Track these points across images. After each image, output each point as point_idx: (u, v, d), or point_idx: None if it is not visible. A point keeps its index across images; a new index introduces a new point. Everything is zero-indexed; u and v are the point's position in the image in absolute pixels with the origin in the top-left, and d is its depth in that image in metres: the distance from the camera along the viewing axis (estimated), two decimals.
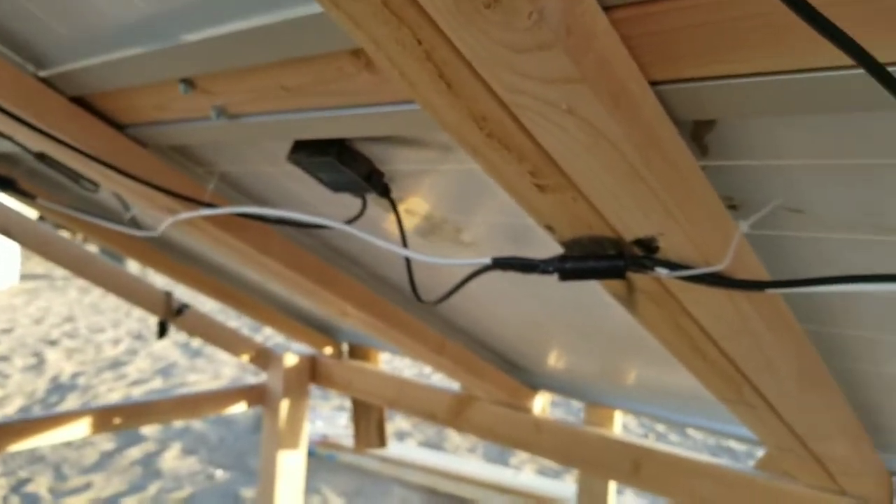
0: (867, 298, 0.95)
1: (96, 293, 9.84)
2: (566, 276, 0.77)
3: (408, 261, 1.15)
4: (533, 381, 2.11)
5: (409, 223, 1.27)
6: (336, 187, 1.09)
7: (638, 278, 0.82)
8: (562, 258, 0.77)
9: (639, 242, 0.73)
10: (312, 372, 2.79)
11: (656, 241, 0.71)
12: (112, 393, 4.90)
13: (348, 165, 0.99)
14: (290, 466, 2.77)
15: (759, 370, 1.00)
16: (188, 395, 2.61)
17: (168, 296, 2.54)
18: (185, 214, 1.28)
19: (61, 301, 8.86)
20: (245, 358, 2.74)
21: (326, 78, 0.79)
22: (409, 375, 2.52)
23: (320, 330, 2.72)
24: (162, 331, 2.58)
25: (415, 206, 1.18)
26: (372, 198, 1.15)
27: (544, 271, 0.78)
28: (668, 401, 1.92)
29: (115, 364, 5.60)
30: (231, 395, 2.72)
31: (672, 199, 0.65)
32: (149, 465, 3.82)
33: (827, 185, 0.70)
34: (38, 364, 5.48)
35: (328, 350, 2.74)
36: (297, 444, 2.80)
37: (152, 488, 3.54)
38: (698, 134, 0.69)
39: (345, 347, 2.76)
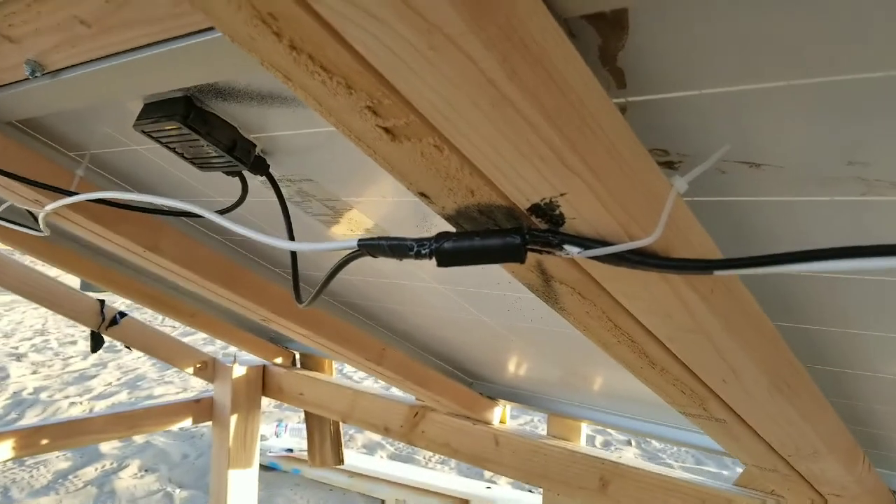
0: (859, 284, 0.75)
1: None
2: (446, 259, 0.56)
3: (293, 255, 0.94)
4: (491, 390, 1.91)
5: (324, 213, 1.06)
6: (201, 164, 0.89)
7: (549, 262, 0.62)
8: (439, 236, 0.57)
9: (536, 210, 0.53)
10: (264, 383, 2.58)
11: (557, 206, 0.51)
12: (73, 407, 4.67)
13: (202, 132, 0.79)
14: (242, 486, 2.56)
15: (722, 379, 0.80)
16: (125, 412, 2.40)
17: (101, 304, 2.33)
18: (50, 206, 1.07)
19: (36, 314, 8.57)
20: (189, 370, 2.53)
21: None
22: (369, 385, 2.31)
23: (270, 338, 2.51)
24: (96, 344, 2.36)
25: (312, 189, 0.97)
26: (258, 178, 0.95)
27: (419, 254, 0.58)
28: (640, 410, 1.72)
29: (82, 377, 5.36)
30: (175, 409, 2.51)
31: (567, 143, 0.45)
32: (104, 486, 3.60)
33: (791, 122, 0.50)
34: (1, 380, 5.23)
35: (279, 359, 2.53)
36: (249, 461, 2.59)
37: None
38: (608, 52, 0.49)
39: (298, 356, 2.56)
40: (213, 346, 6.10)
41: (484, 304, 1.27)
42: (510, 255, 0.55)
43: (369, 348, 1.57)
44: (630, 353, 0.80)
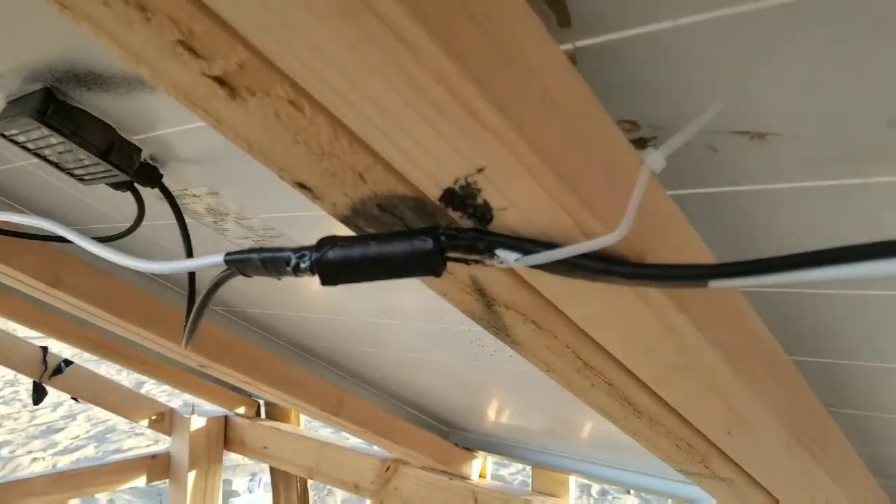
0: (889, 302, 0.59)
1: None
2: (332, 273, 0.40)
3: (190, 281, 0.77)
4: (468, 440, 1.72)
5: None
6: (81, 175, 0.73)
7: (486, 277, 0.45)
8: (322, 243, 0.40)
9: (452, 198, 0.37)
10: (226, 436, 2.37)
11: (477, 190, 0.35)
12: (35, 463, 4.41)
13: (65, 132, 0.64)
14: None
15: (726, 430, 0.63)
16: (69, 471, 2.18)
17: (44, 351, 2.14)
18: None
19: None
20: (144, 423, 2.33)
21: None
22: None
23: (233, 385, 2.31)
24: (37, 395, 2.17)
25: (222, 205, 0.81)
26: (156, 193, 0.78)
27: (298, 269, 0.41)
28: (637, 461, 1.53)
29: (49, 430, 5.09)
30: (126, 467, 2.30)
31: (477, 87, 0.29)
32: None
33: (805, 65, 0.35)
34: None
35: (241, 409, 2.33)
36: None
37: None
38: None
39: (263, 405, 2.36)
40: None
41: (443, 340, 1.10)
42: (421, 265, 0.39)
43: (324, 396, 1.39)
44: (608, 399, 0.63)
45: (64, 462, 4.40)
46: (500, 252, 0.38)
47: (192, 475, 2.32)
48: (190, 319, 0.53)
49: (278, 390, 1.32)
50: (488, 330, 0.56)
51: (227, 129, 0.37)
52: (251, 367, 1.29)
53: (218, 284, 0.49)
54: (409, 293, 1.00)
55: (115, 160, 0.68)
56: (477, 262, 0.40)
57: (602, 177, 0.36)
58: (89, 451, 4.71)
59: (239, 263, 0.45)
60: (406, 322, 1.09)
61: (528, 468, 1.70)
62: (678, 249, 0.40)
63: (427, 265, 0.39)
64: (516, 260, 0.38)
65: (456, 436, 1.75)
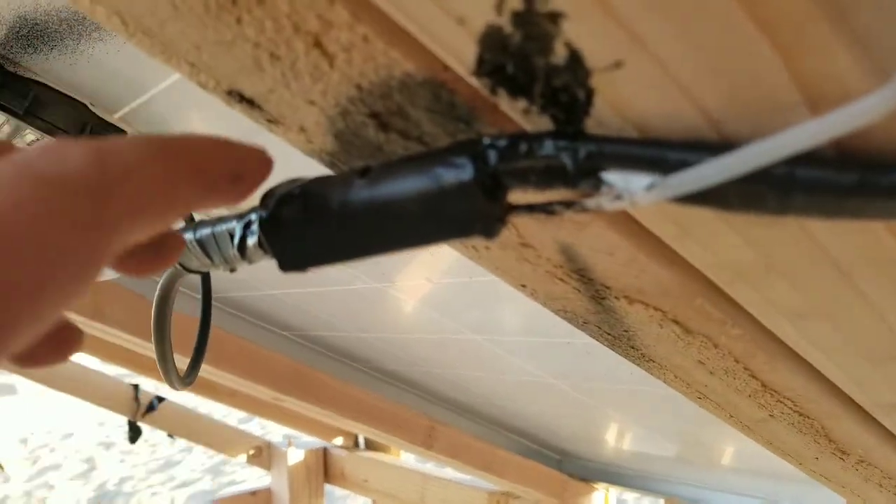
0: None
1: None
2: (289, 248, 0.21)
3: (205, 281, 0.61)
4: (585, 470, 1.49)
5: None
6: None
7: (582, 242, 0.25)
8: (271, 195, 0.22)
9: (498, 60, 0.17)
10: (326, 468, 2.25)
11: (550, 22, 0.15)
12: (155, 498, 4.47)
13: (16, 111, 0.49)
14: None
15: None
16: None
17: (135, 389, 2.10)
18: None
19: None
20: (242, 457, 2.24)
21: None
22: None
23: None
24: (133, 434, 2.12)
25: None
26: None
27: (244, 247, 0.23)
28: (793, 489, 1.26)
29: (167, 464, 5.19)
30: None
31: None
32: None
33: None
34: (88, 471, 5.15)
35: (339, 439, 2.20)
36: None
37: None
38: None
39: (362, 435, 2.22)
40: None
41: (543, 357, 0.90)
42: (456, 215, 0.19)
43: (413, 428, 1.21)
44: (793, 434, 0.41)
45: (181, 497, 4.46)
46: (612, 176, 0.18)
47: None
48: (192, 357, 0.36)
49: (361, 423, 1.15)
50: (599, 339, 0.36)
51: None
52: (329, 398, 1.13)
53: (167, 289, 0.32)
54: (504, 302, 0.80)
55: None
56: (568, 205, 0.20)
57: None
58: (205, 483, 4.76)
59: None
60: (502, 337, 0.90)
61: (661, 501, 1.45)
62: None
63: (467, 215, 0.19)
64: (650, 188, 0.18)
65: (570, 465, 1.52)
